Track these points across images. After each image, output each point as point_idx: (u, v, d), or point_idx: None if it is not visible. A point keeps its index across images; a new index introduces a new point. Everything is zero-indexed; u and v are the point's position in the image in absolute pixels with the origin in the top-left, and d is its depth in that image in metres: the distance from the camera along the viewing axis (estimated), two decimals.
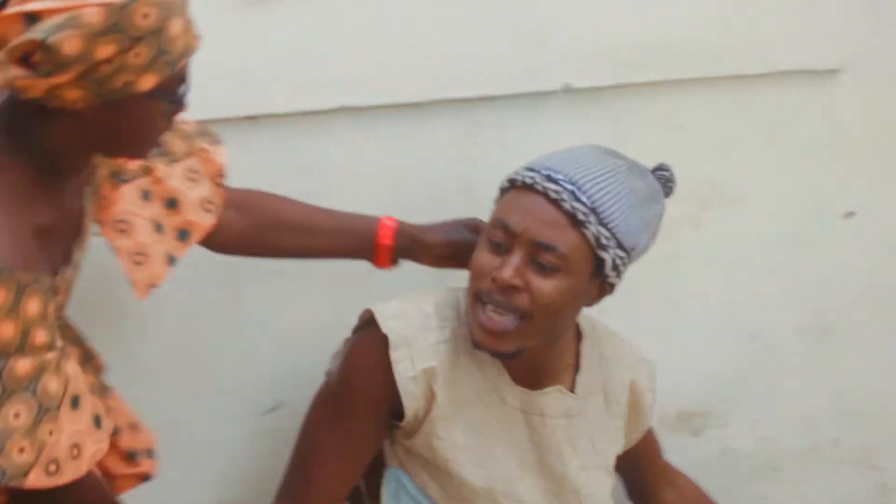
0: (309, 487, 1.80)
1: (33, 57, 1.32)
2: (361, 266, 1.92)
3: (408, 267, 1.95)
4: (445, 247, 1.89)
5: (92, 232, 1.65)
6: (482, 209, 1.83)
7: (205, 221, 1.73)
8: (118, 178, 1.66)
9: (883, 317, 2.52)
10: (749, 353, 2.46)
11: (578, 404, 1.87)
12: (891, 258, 2.49)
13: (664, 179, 1.83)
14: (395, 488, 1.84)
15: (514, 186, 1.73)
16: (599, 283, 1.73)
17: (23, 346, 1.35)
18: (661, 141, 2.23)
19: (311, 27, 1.93)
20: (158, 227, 1.69)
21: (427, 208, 2.04)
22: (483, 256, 1.71)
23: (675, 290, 2.35)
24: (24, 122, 1.41)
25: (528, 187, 1.69)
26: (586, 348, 1.89)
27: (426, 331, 1.77)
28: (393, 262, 1.90)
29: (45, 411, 1.36)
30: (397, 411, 1.78)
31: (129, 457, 1.72)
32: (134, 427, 1.76)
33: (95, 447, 1.45)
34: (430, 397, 1.77)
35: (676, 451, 2.30)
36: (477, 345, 1.72)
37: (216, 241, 1.78)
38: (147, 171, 1.68)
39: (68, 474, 1.40)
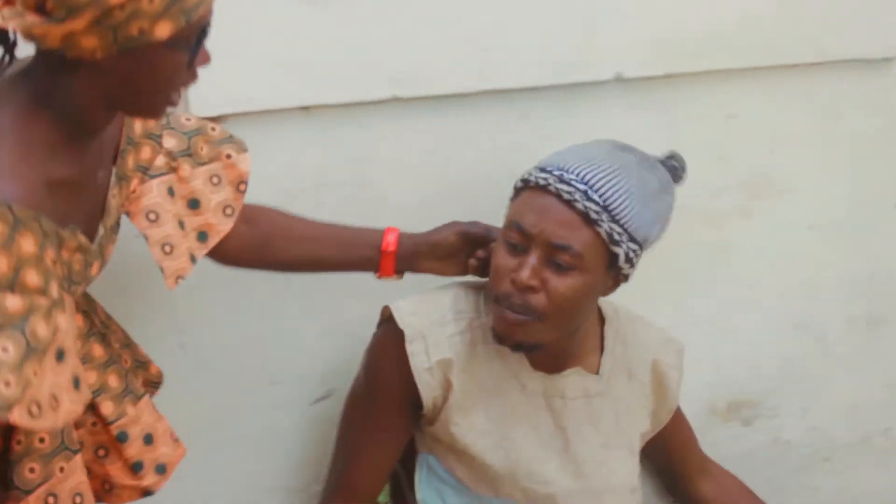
0: (349, 475, 1.92)
1: (47, 4, 1.33)
2: None
3: None
4: (455, 237, 1.90)
5: (133, 234, 1.67)
6: None
7: (224, 225, 1.75)
8: (146, 173, 1.67)
9: None
10: (799, 343, 2.45)
11: (600, 385, 1.91)
12: None
13: (674, 168, 1.85)
14: (426, 472, 1.93)
15: (527, 187, 1.76)
16: (614, 275, 1.77)
17: (13, 283, 1.33)
18: (712, 131, 2.23)
19: (362, 20, 1.93)
20: (181, 224, 1.71)
21: (476, 199, 2.05)
22: (501, 258, 1.76)
23: (725, 280, 2.34)
24: (50, 74, 1.42)
25: (542, 188, 1.73)
26: (609, 331, 1.94)
27: (442, 324, 1.84)
28: (397, 271, 1.91)
29: (31, 351, 1.34)
30: (418, 402, 1.85)
31: (134, 468, 1.71)
32: (150, 439, 1.73)
33: (71, 406, 1.41)
34: (447, 387, 1.83)
35: (727, 442, 2.30)
36: (500, 340, 1.78)
37: (225, 251, 1.79)
38: (173, 169, 1.70)
39: (48, 421, 1.37)
